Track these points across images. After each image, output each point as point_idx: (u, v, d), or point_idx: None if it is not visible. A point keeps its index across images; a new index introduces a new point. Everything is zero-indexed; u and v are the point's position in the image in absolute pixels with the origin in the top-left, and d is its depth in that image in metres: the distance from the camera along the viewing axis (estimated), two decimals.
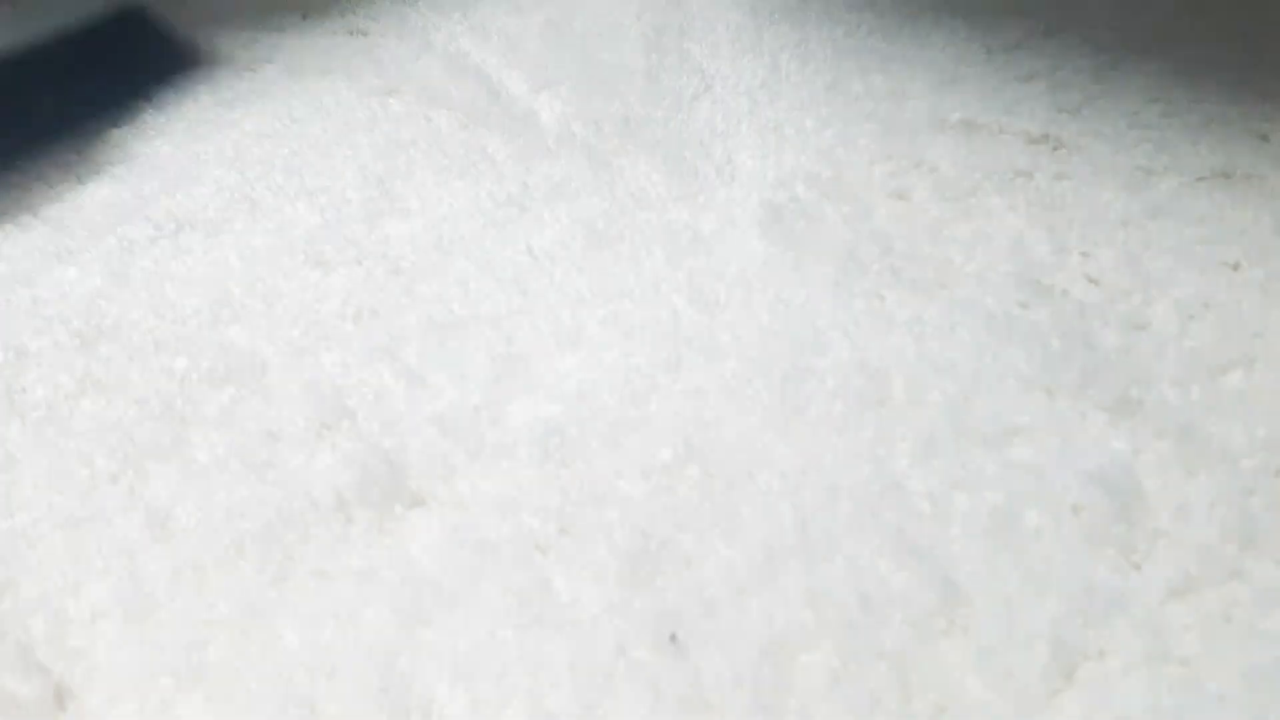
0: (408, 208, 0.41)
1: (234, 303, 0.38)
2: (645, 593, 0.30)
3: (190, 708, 0.28)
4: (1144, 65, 0.44)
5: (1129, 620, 0.29)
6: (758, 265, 0.38)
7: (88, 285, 0.38)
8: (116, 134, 0.44)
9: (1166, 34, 0.45)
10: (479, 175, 0.42)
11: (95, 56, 0.40)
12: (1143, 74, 0.44)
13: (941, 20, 0.46)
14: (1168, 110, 0.42)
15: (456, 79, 0.46)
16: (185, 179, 0.42)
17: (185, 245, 0.40)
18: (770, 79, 0.45)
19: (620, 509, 0.32)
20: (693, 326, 0.37)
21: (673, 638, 0.29)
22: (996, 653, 0.28)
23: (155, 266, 0.39)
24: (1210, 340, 0.35)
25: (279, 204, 0.41)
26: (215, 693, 0.29)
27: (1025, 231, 0.39)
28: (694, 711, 0.28)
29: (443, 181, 0.42)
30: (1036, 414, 0.33)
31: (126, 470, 0.33)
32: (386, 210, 0.41)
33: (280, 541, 0.32)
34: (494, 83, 0.46)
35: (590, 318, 0.37)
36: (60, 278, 0.39)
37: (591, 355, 0.36)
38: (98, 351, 0.36)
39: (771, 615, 0.29)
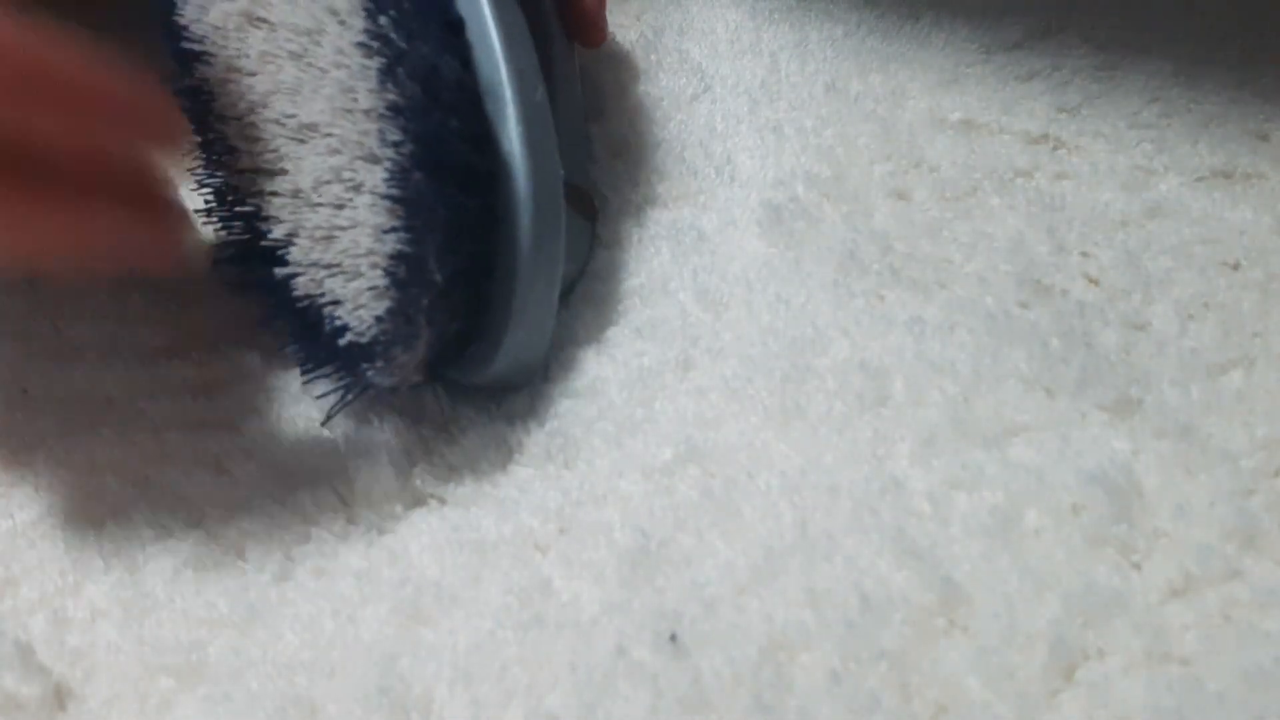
0: None
1: None
2: (645, 592, 0.30)
3: (190, 708, 0.28)
4: (1144, 65, 0.44)
5: (1129, 620, 0.29)
6: (758, 265, 0.38)
7: None
8: None
9: (1166, 34, 0.45)
10: None
11: None
12: (1143, 74, 0.44)
13: (941, 20, 0.46)
14: (1168, 110, 0.42)
15: None
16: None
17: None
18: (770, 79, 0.45)
19: (620, 509, 0.32)
20: (699, 325, 0.37)
21: (673, 638, 0.29)
22: (996, 653, 0.28)
23: None
24: (1210, 340, 0.35)
25: None
26: (215, 693, 0.29)
27: (1025, 231, 0.39)
28: (694, 711, 0.28)
29: None
30: (1036, 414, 0.33)
31: (127, 470, 0.33)
32: None
33: (280, 541, 0.32)
34: None
35: (601, 315, 0.37)
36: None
37: (602, 352, 0.36)
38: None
39: (771, 615, 0.29)
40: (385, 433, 0.34)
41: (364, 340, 0.30)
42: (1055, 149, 0.42)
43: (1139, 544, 0.30)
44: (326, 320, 0.31)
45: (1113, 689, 0.28)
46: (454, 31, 0.31)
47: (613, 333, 0.36)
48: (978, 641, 0.29)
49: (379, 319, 0.30)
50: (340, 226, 0.30)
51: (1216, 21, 0.45)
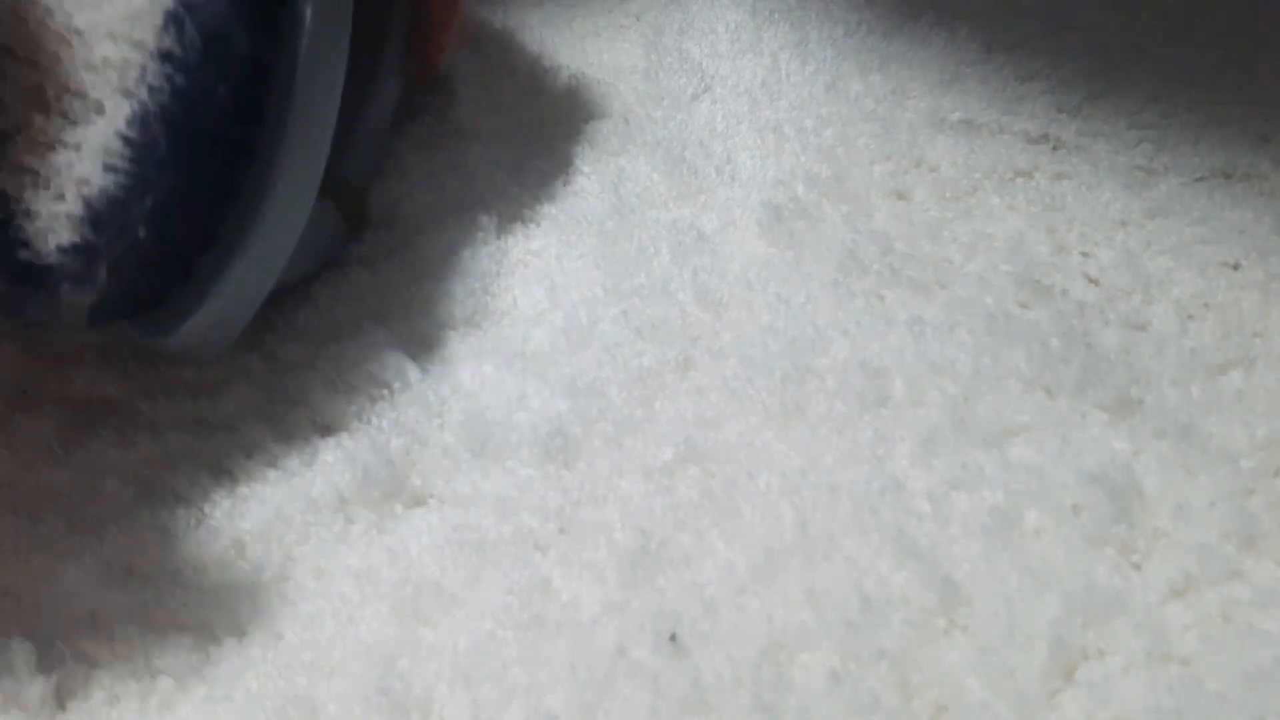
0: None
1: None
2: (645, 592, 0.30)
3: (190, 708, 0.28)
4: (1144, 65, 0.44)
5: (1129, 620, 0.29)
6: (758, 265, 0.38)
7: None
8: None
9: (1166, 34, 0.45)
10: None
11: None
12: (1143, 74, 0.44)
13: (941, 20, 0.46)
14: (1168, 110, 0.42)
15: None
16: None
17: None
18: (770, 79, 0.45)
19: (620, 508, 0.32)
20: (700, 325, 0.37)
21: (673, 638, 0.29)
22: (996, 653, 0.28)
23: None
24: (1210, 340, 0.35)
25: None
26: (215, 693, 0.29)
27: (1025, 231, 0.39)
28: (694, 711, 0.28)
29: None
30: (1036, 414, 0.33)
31: (127, 471, 0.33)
32: None
33: (280, 541, 0.32)
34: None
35: (603, 316, 0.37)
36: None
37: (604, 352, 0.36)
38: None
39: (771, 615, 0.29)
40: (384, 432, 0.34)
41: (38, 264, 0.29)
42: (1055, 149, 0.42)
43: (1139, 544, 0.30)
44: (12, 229, 0.30)
45: (1113, 689, 0.28)
46: (273, 9, 0.31)
47: (612, 333, 0.36)
48: (978, 641, 0.29)
49: (61, 249, 0.29)
50: (65, 141, 0.29)
51: (1216, 22, 0.45)
